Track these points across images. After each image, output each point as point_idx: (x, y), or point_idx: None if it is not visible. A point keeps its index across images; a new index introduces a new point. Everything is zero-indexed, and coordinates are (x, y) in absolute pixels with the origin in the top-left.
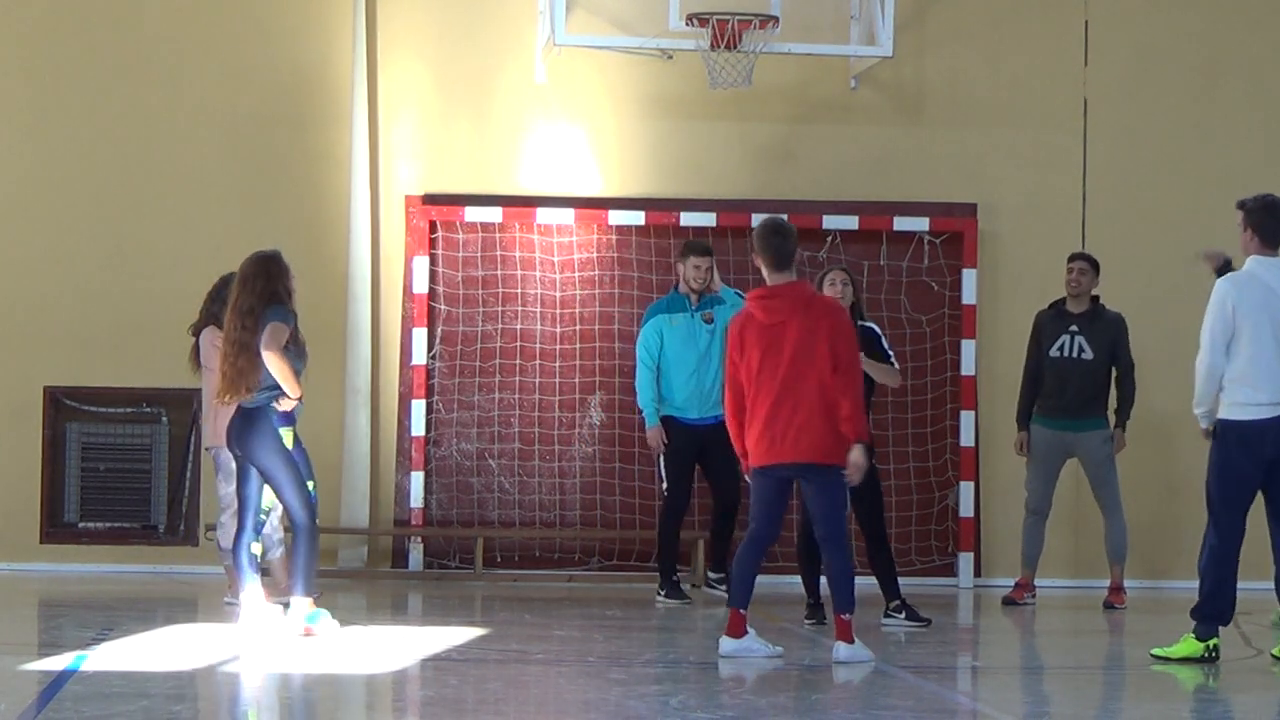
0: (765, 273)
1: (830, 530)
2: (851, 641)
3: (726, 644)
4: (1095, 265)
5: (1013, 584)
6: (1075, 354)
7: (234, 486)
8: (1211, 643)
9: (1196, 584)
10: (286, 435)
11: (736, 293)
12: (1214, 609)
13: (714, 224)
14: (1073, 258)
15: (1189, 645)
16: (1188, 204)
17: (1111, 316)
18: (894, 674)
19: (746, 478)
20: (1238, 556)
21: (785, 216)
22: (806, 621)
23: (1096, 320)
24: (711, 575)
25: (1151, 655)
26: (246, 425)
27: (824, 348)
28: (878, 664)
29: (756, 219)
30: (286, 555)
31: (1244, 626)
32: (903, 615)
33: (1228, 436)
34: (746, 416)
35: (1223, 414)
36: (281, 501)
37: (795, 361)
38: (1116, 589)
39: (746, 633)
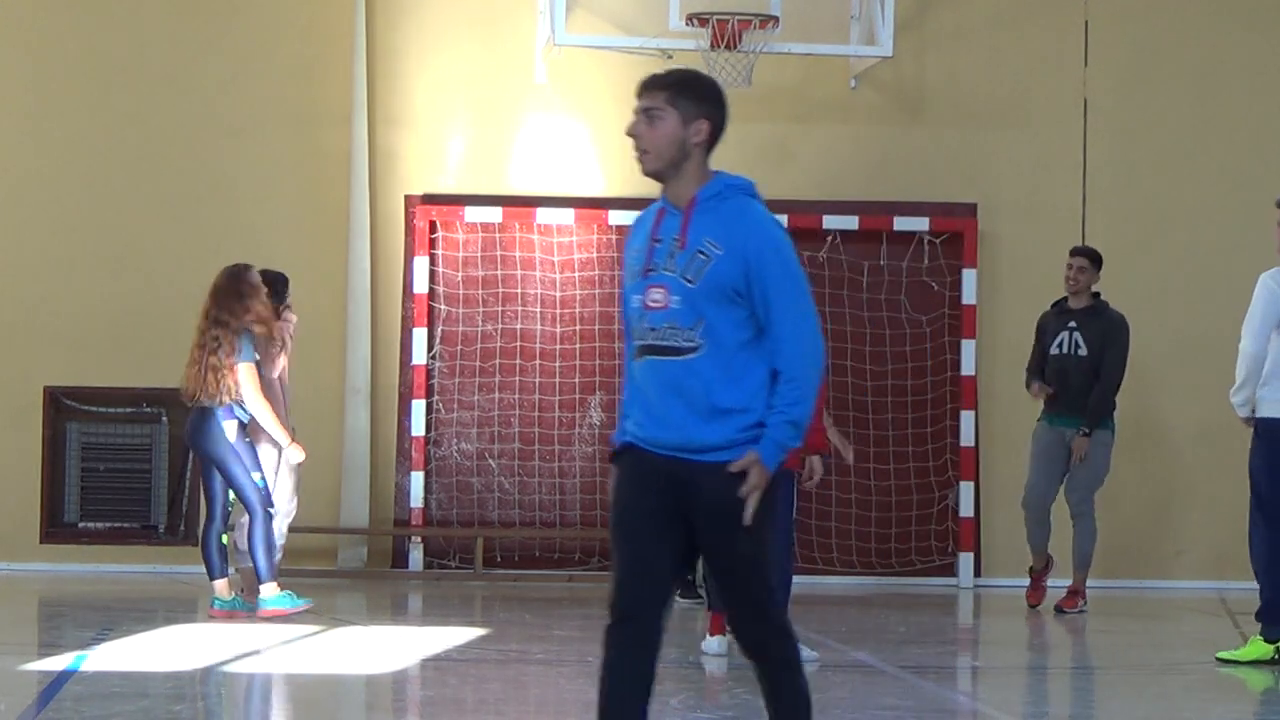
0: None
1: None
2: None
3: (712, 643)
4: (1096, 260)
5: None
6: (1072, 350)
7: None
8: None
9: (1200, 584)
10: (230, 427)
11: None
12: None
13: None
14: (1073, 253)
15: (1258, 648)
16: (1187, 204)
17: (1111, 316)
18: (894, 674)
19: None
20: None
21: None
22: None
23: (1096, 318)
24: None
25: (1217, 659)
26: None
27: None
28: (877, 664)
29: None
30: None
31: (1244, 626)
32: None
33: (1274, 435)
34: None
35: (1263, 412)
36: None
37: None
38: (1075, 593)
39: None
